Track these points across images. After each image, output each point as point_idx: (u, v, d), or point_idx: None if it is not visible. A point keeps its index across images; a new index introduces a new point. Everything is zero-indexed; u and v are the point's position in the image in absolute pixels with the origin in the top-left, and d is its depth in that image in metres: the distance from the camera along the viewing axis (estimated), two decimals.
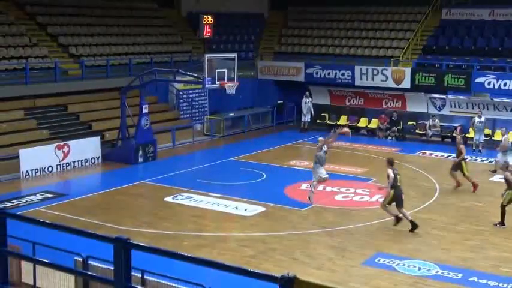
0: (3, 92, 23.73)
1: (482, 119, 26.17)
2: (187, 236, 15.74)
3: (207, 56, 23.39)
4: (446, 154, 25.81)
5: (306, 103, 30.62)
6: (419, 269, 13.70)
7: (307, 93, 30.99)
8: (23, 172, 21.13)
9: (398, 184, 16.12)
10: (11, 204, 18.01)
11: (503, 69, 28.48)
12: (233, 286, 8.85)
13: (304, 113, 30.60)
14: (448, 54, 31.11)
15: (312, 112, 30.78)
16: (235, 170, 22.65)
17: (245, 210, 17.94)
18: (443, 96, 29.18)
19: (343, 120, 31.46)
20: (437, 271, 13.58)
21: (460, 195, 19.73)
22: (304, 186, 20.62)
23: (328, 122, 31.77)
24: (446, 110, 29.22)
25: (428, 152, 26.30)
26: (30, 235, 10.82)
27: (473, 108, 28.34)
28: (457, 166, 20.38)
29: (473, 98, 28.41)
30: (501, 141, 23.03)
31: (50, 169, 22.00)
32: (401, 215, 16.12)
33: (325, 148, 18.39)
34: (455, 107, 29.02)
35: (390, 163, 16.43)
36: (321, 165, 18.24)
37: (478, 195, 19.65)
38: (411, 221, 15.97)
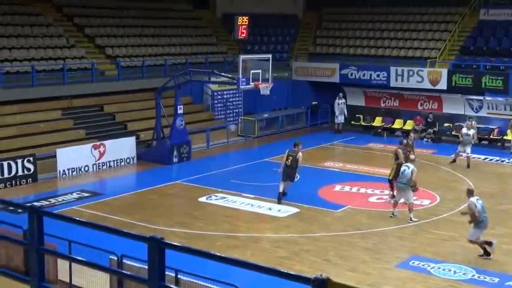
0: (42, 92, 24.12)
1: None
2: (221, 236, 15.79)
3: (242, 56, 23.42)
4: (483, 156, 25.46)
5: (339, 104, 30.49)
6: (455, 272, 13.53)
7: (341, 94, 30.85)
8: (59, 171, 21.44)
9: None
10: (48, 202, 18.31)
11: None
12: (266, 287, 8.85)
13: (337, 114, 30.48)
14: (485, 55, 30.65)
15: (346, 113, 30.63)
16: (269, 171, 22.61)
17: (278, 211, 17.93)
18: (481, 97, 28.75)
19: (378, 121, 31.23)
20: (473, 275, 13.38)
21: (497, 198, 19.41)
22: (338, 187, 20.55)
23: (363, 123, 31.58)
24: (483, 112, 28.79)
25: (464, 154, 25.91)
26: (67, 233, 10.97)
27: (511, 110, 27.88)
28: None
29: (511, 100, 27.94)
30: (465, 134, 23.80)
31: (86, 168, 22.29)
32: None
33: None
34: (492, 108, 28.58)
35: None
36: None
37: None
38: None
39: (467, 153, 23.68)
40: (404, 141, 20.18)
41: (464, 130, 24.16)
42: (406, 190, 17.05)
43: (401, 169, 17.30)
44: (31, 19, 27.40)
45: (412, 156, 18.25)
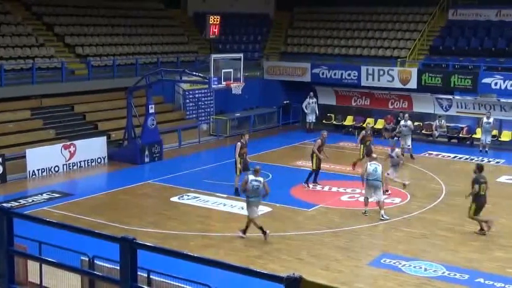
0: (10, 92, 23.82)
1: (491, 120, 26.06)
2: (194, 236, 15.76)
3: (213, 56, 23.40)
4: (452, 155, 25.79)
5: (309, 103, 30.61)
6: (426, 269, 13.67)
7: (311, 93, 30.97)
8: (29, 172, 21.19)
9: (482, 193, 15.91)
10: (17, 203, 18.08)
11: (510, 70, 28.35)
12: (239, 286, 8.87)
13: (308, 112, 30.59)
14: (454, 55, 31.01)
15: (317, 112, 30.77)
16: None
17: None
18: (450, 96, 29.11)
19: (349, 120, 31.42)
20: (444, 272, 13.55)
21: None
22: (310, 186, 20.59)
23: (334, 122, 31.75)
24: (452, 111, 29.16)
25: (434, 152, 26.25)
26: (37, 235, 10.85)
27: (479, 109, 28.27)
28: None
29: (479, 99, 28.33)
30: (402, 126, 25.03)
31: (56, 169, 22.06)
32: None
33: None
34: (461, 107, 28.96)
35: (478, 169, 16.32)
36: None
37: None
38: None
39: (408, 145, 24.60)
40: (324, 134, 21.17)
41: (402, 122, 25.21)
42: (380, 188, 17.24)
43: (373, 167, 17.29)
44: None
45: (374, 155, 18.48)
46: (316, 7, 37.44)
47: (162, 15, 35.13)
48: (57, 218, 15.12)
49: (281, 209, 18.08)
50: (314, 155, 20.37)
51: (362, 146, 22.49)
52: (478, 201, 15.82)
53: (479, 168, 16.24)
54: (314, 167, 20.41)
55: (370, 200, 17.48)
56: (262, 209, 17.88)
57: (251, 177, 15.54)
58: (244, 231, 15.48)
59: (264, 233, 15.26)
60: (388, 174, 19.20)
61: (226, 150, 26.90)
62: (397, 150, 20.63)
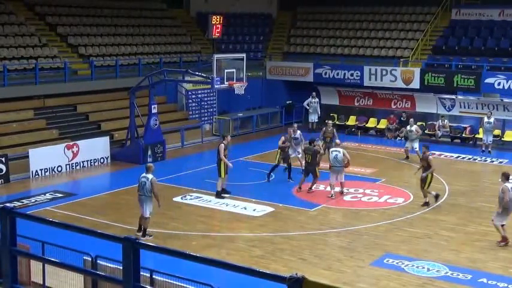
0: (13, 92, 23.85)
1: (491, 119, 26.01)
2: (196, 236, 15.76)
3: (216, 56, 23.39)
4: (455, 155, 25.76)
5: (311, 103, 30.55)
6: (428, 270, 13.66)
7: (314, 93, 30.94)
8: (32, 172, 21.22)
9: (308, 161, 19.39)
10: (20, 203, 18.10)
11: None
12: (242, 286, 8.87)
13: (311, 112, 30.56)
14: (457, 55, 30.97)
15: (319, 112, 30.73)
16: (244, 170, 22.65)
17: (254, 210, 17.94)
18: (453, 96, 29.08)
19: (352, 120, 31.39)
20: (446, 272, 13.53)
21: (469, 196, 19.65)
22: (312, 186, 20.58)
23: (337, 122, 31.69)
24: (455, 111, 29.12)
25: (437, 152, 26.17)
26: (40, 235, 10.87)
27: (482, 108, 28.22)
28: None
29: (482, 99, 28.29)
30: (408, 131, 24.83)
31: (59, 169, 22.09)
32: None
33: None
34: (464, 107, 28.91)
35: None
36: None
37: (487, 196, 19.55)
38: None
39: (415, 148, 24.41)
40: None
41: (408, 127, 25.15)
42: (342, 172, 19.34)
43: (333, 154, 19.21)
44: (2, 18, 27.06)
45: (338, 141, 20.53)
46: (319, 7, 37.43)
47: (165, 15, 35.15)
48: (60, 218, 15.16)
49: (284, 209, 18.07)
50: (279, 150, 21.04)
51: (323, 142, 23.71)
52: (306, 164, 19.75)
53: (309, 142, 20.17)
54: (276, 162, 21.04)
55: (334, 182, 19.32)
56: (264, 209, 17.91)
57: (143, 174, 15.44)
58: (142, 232, 15.33)
59: (143, 233, 15.26)
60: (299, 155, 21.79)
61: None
62: (299, 132, 22.50)
